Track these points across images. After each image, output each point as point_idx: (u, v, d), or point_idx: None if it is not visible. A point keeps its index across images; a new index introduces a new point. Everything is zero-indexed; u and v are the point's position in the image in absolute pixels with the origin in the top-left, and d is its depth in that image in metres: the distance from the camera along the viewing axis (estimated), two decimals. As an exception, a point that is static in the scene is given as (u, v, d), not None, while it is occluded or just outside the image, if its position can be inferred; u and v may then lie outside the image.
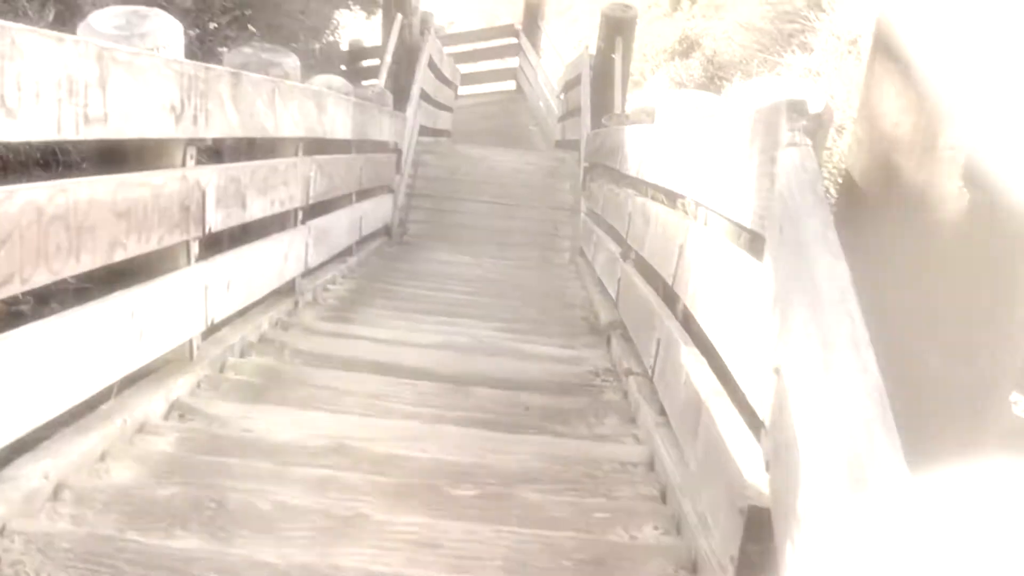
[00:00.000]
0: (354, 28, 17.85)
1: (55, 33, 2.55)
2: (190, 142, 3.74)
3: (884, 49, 2.21)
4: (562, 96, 14.88)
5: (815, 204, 1.76)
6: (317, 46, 10.37)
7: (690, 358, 3.39)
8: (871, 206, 2.15)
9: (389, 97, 9.33)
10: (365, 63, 15.43)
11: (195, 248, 3.94)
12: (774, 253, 1.98)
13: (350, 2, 13.77)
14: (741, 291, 2.46)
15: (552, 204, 10.87)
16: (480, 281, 8.13)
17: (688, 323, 3.72)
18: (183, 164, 3.73)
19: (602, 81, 11.23)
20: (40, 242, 2.57)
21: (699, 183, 3.72)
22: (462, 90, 19.13)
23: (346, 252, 7.48)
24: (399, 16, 10.75)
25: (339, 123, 6.43)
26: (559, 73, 21.21)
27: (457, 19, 32.87)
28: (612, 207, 7.05)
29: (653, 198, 5.44)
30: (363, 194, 8.05)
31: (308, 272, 6.10)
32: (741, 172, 2.58)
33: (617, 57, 10.76)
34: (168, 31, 3.55)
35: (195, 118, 3.64)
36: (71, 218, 2.74)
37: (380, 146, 8.68)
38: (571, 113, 13.30)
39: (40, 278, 2.60)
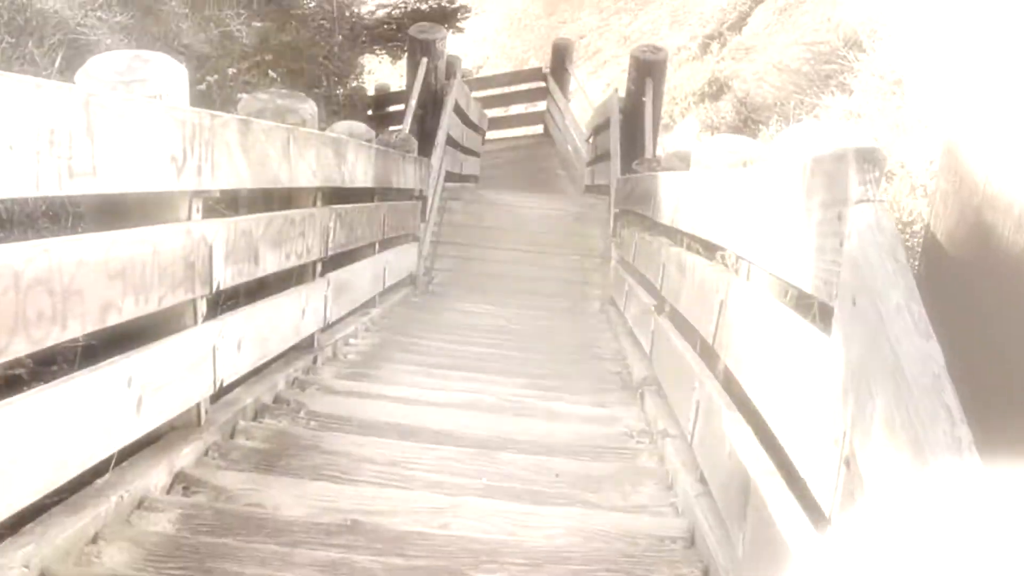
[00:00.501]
0: (381, 72, 17.75)
1: (32, 79, 2.31)
2: (195, 194, 3.50)
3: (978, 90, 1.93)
4: (591, 140, 14.66)
5: (896, 273, 1.49)
6: (341, 91, 10.19)
7: (735, 427, 3.10)
8: (958, 270, 1.86)
9: (414, 143, 9.11)
10: (392, 108, 15.28)
11: (202, 306, 3.69)
12: (845, 328, 1.69)
13: (376, 47, 13.61)
14: (800, 363, 2.17)
15: (581, 251, 10.61)
16: (507, 333, 7.85)
17: (730, 385, 3.44)
18: (188, 218, 3.49)
19: (632, 124, 10.99)
20: (17, 309, 2.32)
21: (743, 236, 3.44)
22: (490, 134, 18.98)
23: (369, 304, 7.23)
24: (424, 60, 10.56)
25: (360, 171, 6.19)
26: (587, 117, 21.08)
27: (486, 63, 32.87)
28: (644, 256, 6.78)
29: (689, 248, 5.16)
30: (387, 243, 7.82)
31: (328, 326, 5.85)
32: (796, 228, 2.30)
33: (647, 100, 10.53)
34: (170, 76, 3.31)
35: (199, 169, 3.40)
36: (55, 281, 2.48)
37: (404, 193, 8.46)
38: (600, 158, 13.07)
39: (18, 348, 2.35)
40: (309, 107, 5.19)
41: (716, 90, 27.24)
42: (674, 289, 5.14)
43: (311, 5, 9.85)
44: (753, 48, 28.38)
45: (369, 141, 7.29)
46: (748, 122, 26.12)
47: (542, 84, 18.24)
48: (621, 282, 8.19)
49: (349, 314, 6.55)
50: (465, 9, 15.47)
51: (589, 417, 5.10)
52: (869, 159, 1.76)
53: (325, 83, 9.80)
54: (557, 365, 6.60)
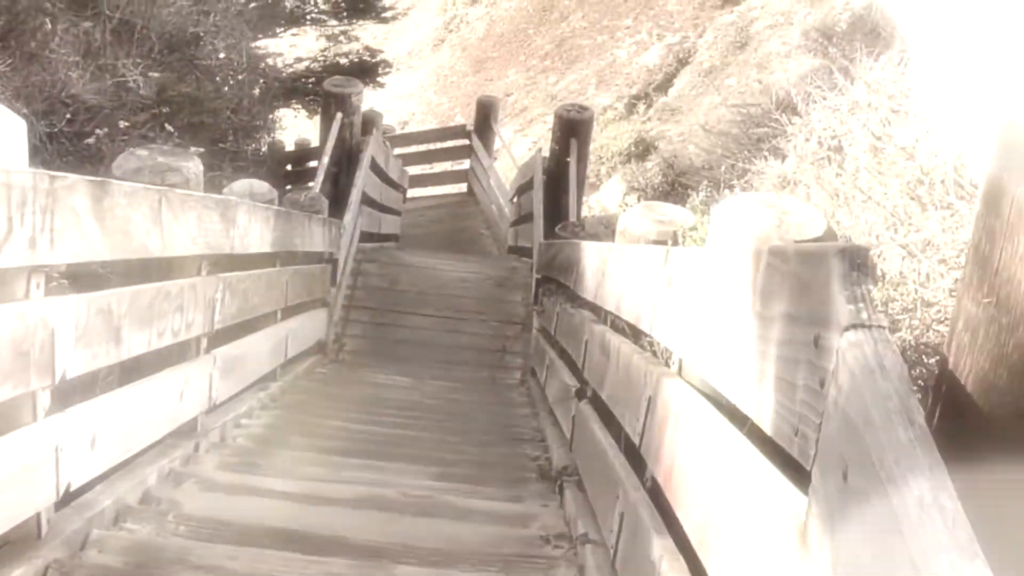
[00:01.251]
0: (303, 128, 17.23)
1: None
2: (33, 270, 2.94)
3: None
4: (515, 199, 14.20)
5: (916, 445, 0.98)
6: (251, 146, 9.64)
7: (664, 555, 2.59)
8: (995, 426, 1.37)
9: (323, 203, 8.59)
10: (313, 163, 14.69)
11: (44, 400, 3.11)
12: (831, 511, 1.16)
13: (293, 101, 13.09)
14: (758, 522, 1.64)
15: (502, 317, 10.11)
16: (419, 409, 7.30)
17: (658, 500, 2.93)
18: (25, 297, 2.93)
19: (556, 185, 10.57)
20: None
21: (676, 329, 2.96)
22: (413, 192, 18.52)
23: (268, 377, 6.65)
24: (339, 115, 10.06)
25: (255, 235, 5.64)
26: (512, 175, 20.72)
27: (411, 119, 32.51)
28: (566, 329, 6.29)
29: (614, 326, 4.69)
30: (291, 311, 7.27)
31: (215, 407, 5.26)
32: (746, 340, 1.80)
33: (572, 160, 10.12)
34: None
35: (33, 241, 2.84)
36: None
37: (312, 257, 7.92)
38: (524, 218, 12.62)
39: None
40: (194, 165, 4.64)
41: (642, 150, 27.14)
42: (598, 372, 4.65)
43: (220, 56, 9.32)
44: (679, 109, 28.43)
45: (271, 201, 6.76)
46: (676, 185, 25.93)
47: (466, 142, 17.83)
48: (542, 353, 7.69)
49: (243, 391, 5.96)
50: (386, 64, 15.07)
51: (503, 516, 4.55)
52: (859, 264, 1.26)
53: (232, 138, 9.25)
54: (471, 448, 6.06)
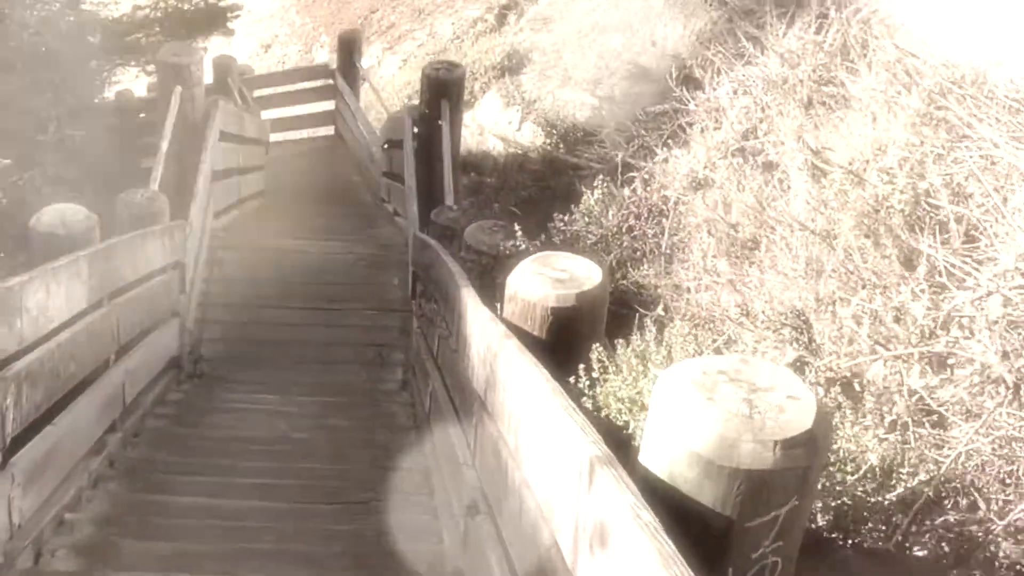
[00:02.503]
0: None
1: None
2: None
3: None
4: (385, 147, 13.08)
5: None
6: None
7: None
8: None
9: (163, 203, 7.46)
10: (143, 115, 13.20)
11: None
12: None
13: (131, 59, 11.74)
14: None
15: (378, 304, 9.12)
16: (284, 456, 6.29)
17: None
18: None
19: (429, 151, 9.52)
20: None
21: None
22: (278, 136, 17.22)
23: (99, 445, 5.58)
24: (177, 89, 8.81)
25: (58, 306, 4.56)
26: (380, 112, 19.47)
27: (274, 42, 30.80)
28: (453, 376, 5.33)
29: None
30: (128, 346, 6.20)
31: (18, 530, 4.23)
32: None
33: (444, 124, 9.05)
34: None
35: None
36: None
37: (150, 276, 6.81)
38: (395, 176, 11.56)
39: None
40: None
41: (516, 63, 26.04)
42: (495, 495, 3.73)
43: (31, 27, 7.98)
44: (551, 18, 27.35)
45: (90, 230, 5.68)
46: (557, 158, 25.07)
47: (330, 82, 16.55)
48: (425, 371, 6.72)
49: (65, 479, 4.92)
50: (235, 8, 13.67)
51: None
52: None
53: (55, 125, 8.01)
54: (344, 527, 5.12)
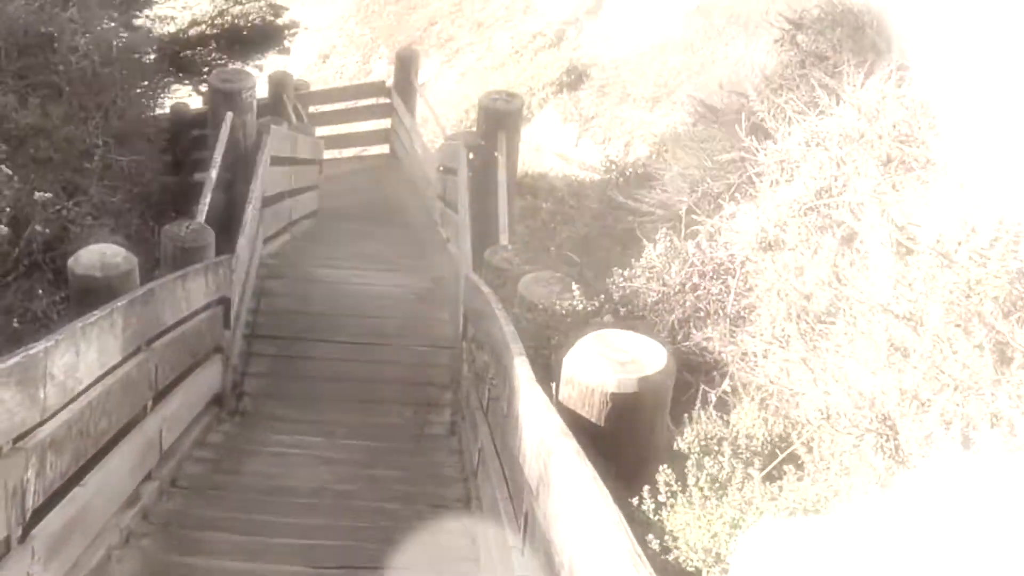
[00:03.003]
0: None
1: None
2: None
3: None
4: (441, 169, 12.83)
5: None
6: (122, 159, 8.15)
7: None
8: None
9: (209, 237, 7.25)
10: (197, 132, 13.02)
11: None
12: None
13: (184, 77, 11.56)
14: None
15: (428, 341, 8.85)
16: (325, 506, 6.03)
17: None
18: None
19: (484, 184, 9.24)
20: None
21: None
22: (332, 153, 17.07)
23: (132, 498, 5.34)
24: (228, 115, 8.61)
25: (89, 364, 4.33)
26: (438, 133, 19.22)
27: (332, 52, 30.68)
28: (503, 440, 5.05)
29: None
30: (166, 391, 5.99)
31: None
32: None
33: (501, 156, 8.78)
34: None
35: None
36: None
37: (193, 315, 6.59)
38: (450, 204, 11.31)
39: None
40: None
41: (575, 79, 25.79)
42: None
43: (81, 54, 7.74)
44: (611, 35, 27.04)
45: (127, 273, 5.48)
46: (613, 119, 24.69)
47: (387, 100, 16.34)
48: (475, 424, 6.44)
49: (93, 542, 4.69)
50: (293, 25, 13.48)
51: None
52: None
53: (100, 147, 7.81)
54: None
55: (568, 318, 5.12)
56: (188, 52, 12.48)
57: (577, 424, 3.57)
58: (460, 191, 9.18)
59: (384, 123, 16.95)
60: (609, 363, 3.59)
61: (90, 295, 5.39)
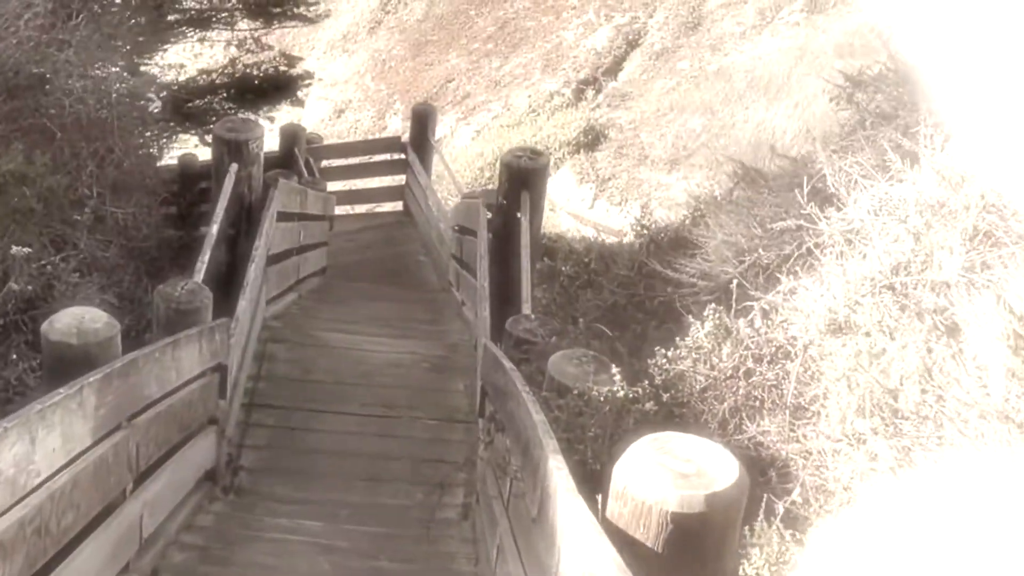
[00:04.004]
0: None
1: None
2: None
3: None
4: (457, 228, 12.25)
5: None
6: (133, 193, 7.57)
7: None
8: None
9: (206, 298, 6.63)
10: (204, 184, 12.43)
11: None
12: None
13: (191, 127, 11.01)
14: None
15: (441, 414, 8.20)
16: None
17: None
18: None
19: (505, 245, 8.64)
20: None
21: None
22: (343, 208, 16.54)
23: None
24: (233, 167, 8.03)
25: (51, 450, 3.70)
26: (452, 189, 18.68)
27: (347, 107, 30.29)
28: (525, 540, 4.39)
29: None
30: (149, 472, 5.35)
31: None
32: None
33: (524, 218, 8.17)
34: None
35: None
36: None
37: (184, 385, 5.95)
38: (466, 265, 10.71)
39: None
40: None
41: (592, 139, 25.38)
42: None
43: (75, 95, 7.17)
44: (630, 95, 26.65)
45: (109, 340, 4.85)
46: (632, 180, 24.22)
47: (401, 156, 15.81)
48: (492, 515, 5.79)
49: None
50: (307, 76, 12.95)
51: None
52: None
53: (91, 196, 7.22)
54: None
55: (607, 405, 4.47)
56: (197, 101, 11.92)
57: (629, 548, 2.93)
58: (479, 254, 8.57)
59: (398, 179, 16.43)
60: (670, 475, 2.94)
61: (65, 365, 4.76)
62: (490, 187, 16.72)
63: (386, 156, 16.40)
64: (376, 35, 33.52)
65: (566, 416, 4.54)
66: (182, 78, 12.41)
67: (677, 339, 4.89)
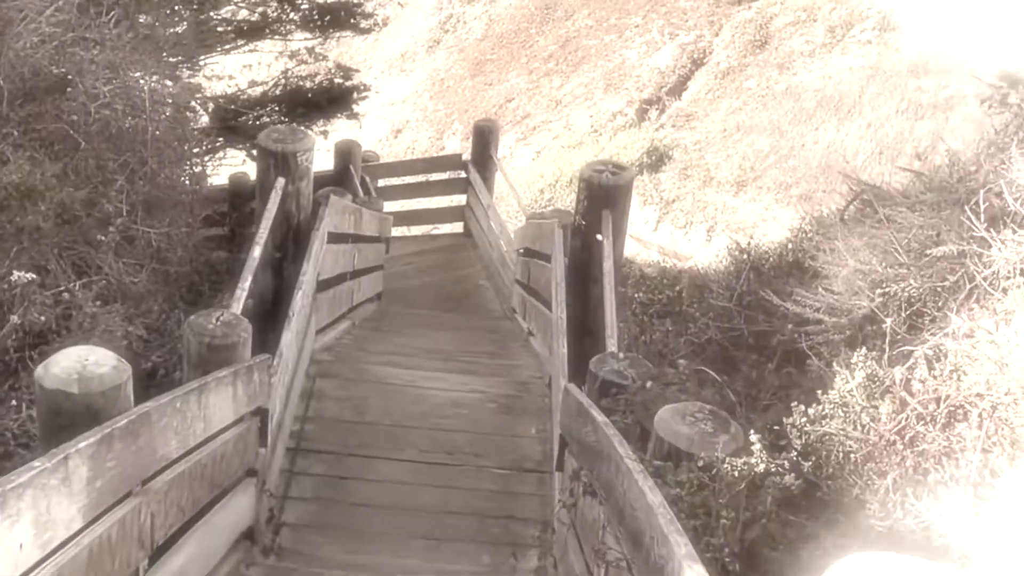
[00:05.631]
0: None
1: None
2: None
3: None
4: (520, 251, 11.32)
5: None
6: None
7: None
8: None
9: (243, 331, 5.70)
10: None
11: None
12: None
13: (238, 142, 10.15)
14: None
15: (510, 463, 7.24)
16: None
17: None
18: None
19: (584, 271, 7.66)
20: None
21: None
22: (401, 230, 15.71)
23: None
24: (280, 182, 7.11)
25: (21, 541, 2.78)
26: (513, 210, 17.81)
27: (405, 127, 29.63)
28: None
29: None
30: (171, 543, 4.45)
31: None
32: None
33: (606, 241, 7.19)
34: None
35: None
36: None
37: (215, 436, 5.05)
38: (535, 293, 9.77)
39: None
40: None
41: (656, 160, 24.48)
42: None
43: (102, 101, 6.30)
44: (694, 115, 25.76)
45: (118, 387, 3.93)
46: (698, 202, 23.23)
47: (462, 174, 14.93)
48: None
49: None
50: (363, 88, 12.07)
51: None
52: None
53: (116, 213, 6.35)
54: None
55: (741, 481, 3.48)
56: (246, 115, 11.07)
57: None
58: (554, 280, 7.59)
59: (458, 199, 15.55)
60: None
61: (63, 419, 3.85)
62: (548, 209, 15.91)
63: (446, 175, 15.54)
64: (435, 54, 32.89)
65: (687, 493, 3.55)
66: (231, 90, 11.57)
67: (819, 392, 3.89)
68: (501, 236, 13.38)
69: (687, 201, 23.54)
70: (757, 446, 3.55)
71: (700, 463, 3.58)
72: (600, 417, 4.60)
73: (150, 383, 5.83)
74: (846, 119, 24.29)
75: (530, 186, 22.97)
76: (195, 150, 8.74)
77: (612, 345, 6.07)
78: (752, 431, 3.70)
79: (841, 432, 3.75)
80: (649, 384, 5.24)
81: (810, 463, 3.72)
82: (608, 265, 6.92)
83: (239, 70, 11.76)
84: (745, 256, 6.96)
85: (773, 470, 3.49)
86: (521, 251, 11.20)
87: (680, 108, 26.47)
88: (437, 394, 7.92)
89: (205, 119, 10.61)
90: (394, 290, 12.46)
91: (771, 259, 7.08)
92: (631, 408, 4.80)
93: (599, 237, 7.40)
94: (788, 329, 5.18)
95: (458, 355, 9.33)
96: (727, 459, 3.53)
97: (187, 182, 8.07)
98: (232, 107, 10.81)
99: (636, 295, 10.88)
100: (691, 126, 25.50)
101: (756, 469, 3.45)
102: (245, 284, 6.19)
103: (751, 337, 6.15)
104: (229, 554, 5.66)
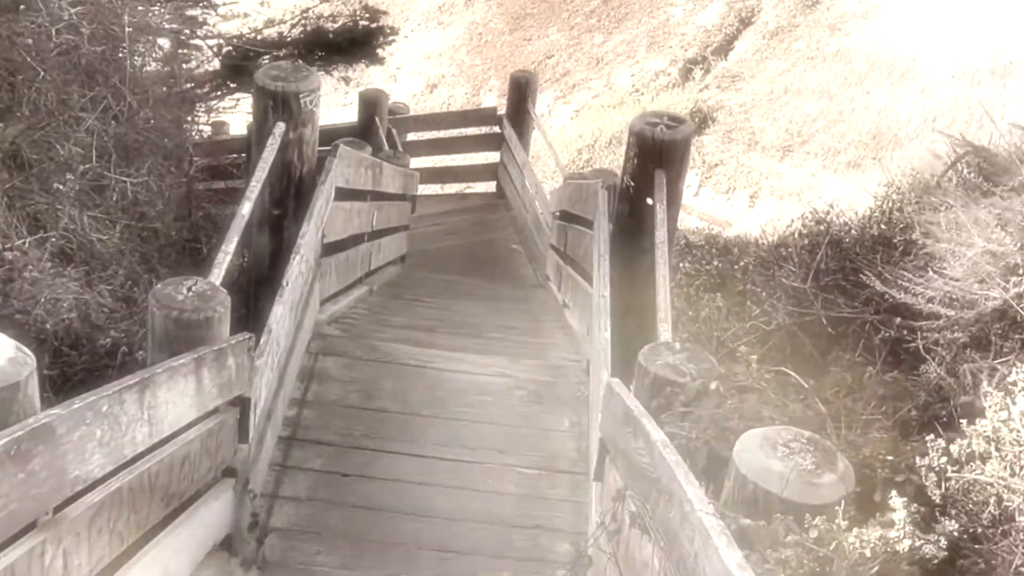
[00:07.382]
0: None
1: None
2: None
3: None
4: (557, 214, 10.28)
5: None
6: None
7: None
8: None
9: (221, 303, 4.66)
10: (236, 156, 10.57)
11: None
12: None
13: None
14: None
15: (540, 460, 6.22)
16: None
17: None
18: None
19: (631, 239, 6.57)
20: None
21: None
22: (430, 188, 14.73)
23: None
24: (279, 126, 6.02)
25: None
26: (550, 170, 16.88)
27: (441, 82, 28.77)
28: None
29: None
30: (137, 545, 3.47)
31: None
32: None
33: (659, 207, 6.10)
34: None
35: None
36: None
37: (172, 437, 4.05)
38: (570, 259, 8.74)
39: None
40: None
41: (700, 122, 23.56)
42: None
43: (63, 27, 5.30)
44: (741, 76, 24.82)
45: (13, 386, 2.90)
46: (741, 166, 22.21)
47: (496, 130, 13.88)
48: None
49: None
50: (388, 31, 10.98)
51: None
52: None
53: (79, 169, 5.34)
54: None
55: (873, 561, 2.43)
56: (260, 56, 10.02)
57: None
58: (596, 251, 6.51)
59: (492, 156, 14.51)
60: None
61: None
62: (588, 170, 15.08)
63: (479, 130, 14.49)
64: (473, 7, 31.92)
65: (795, 563, 2.50)
66: (246, 31, 10.54)
67: (964, 424, 2.81)
68: (537, 197, 12.36)
69: (730, 166, 22.80)
70: (901, 512, 2.50)
71: (814, 533, 2.52)
72: (656, 434, 3.55)
73: (109, 364, 4.82)
74: (899, 83, 23.37)
75: (568, 146, 22.11)
76: (198, 91, 7.69)
77: (665, 332, 5.00)
78: (839, 458, 2.63)
79: (999, 480, 2.69)
80: (714, 385, 4.19)
81: (956, 524, 2.67)
82: (661, 234, 5.84)
83: (256, 6, 10.74)
84: (822, 227, 5.85)
85: (920, 543, 2.44)
86: (557, 214, 10.15)
87: (726, 68, 25.79)
88: (458, 377, 6.90)
89: (216, 63, 9.60)
90: (419, 252, 11.53)
91: (851, 232, 5.99)
92: (697, 422, 3.74)
93: (650, 201, 6.31)
94: (896, 323, 4.10)
95: (484, 330, 8.32)
96: (854, 530, 2.46)
97: (185, 127, 7.02)
98: (244, 47, 9.76)
99: (682, 264, 9.85)
100: (737, 87, 24.71)
101: (898, 547, 2.41)
102: (230, 247, 5.15)
103: (830, 326, 5.08)
104: (198, 572, 4.68)
